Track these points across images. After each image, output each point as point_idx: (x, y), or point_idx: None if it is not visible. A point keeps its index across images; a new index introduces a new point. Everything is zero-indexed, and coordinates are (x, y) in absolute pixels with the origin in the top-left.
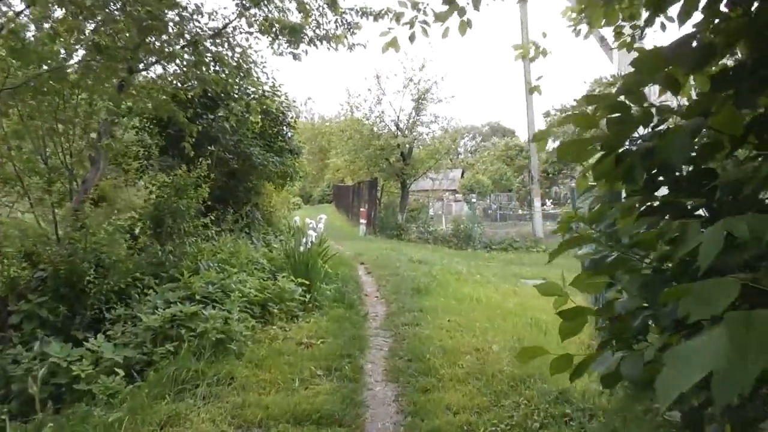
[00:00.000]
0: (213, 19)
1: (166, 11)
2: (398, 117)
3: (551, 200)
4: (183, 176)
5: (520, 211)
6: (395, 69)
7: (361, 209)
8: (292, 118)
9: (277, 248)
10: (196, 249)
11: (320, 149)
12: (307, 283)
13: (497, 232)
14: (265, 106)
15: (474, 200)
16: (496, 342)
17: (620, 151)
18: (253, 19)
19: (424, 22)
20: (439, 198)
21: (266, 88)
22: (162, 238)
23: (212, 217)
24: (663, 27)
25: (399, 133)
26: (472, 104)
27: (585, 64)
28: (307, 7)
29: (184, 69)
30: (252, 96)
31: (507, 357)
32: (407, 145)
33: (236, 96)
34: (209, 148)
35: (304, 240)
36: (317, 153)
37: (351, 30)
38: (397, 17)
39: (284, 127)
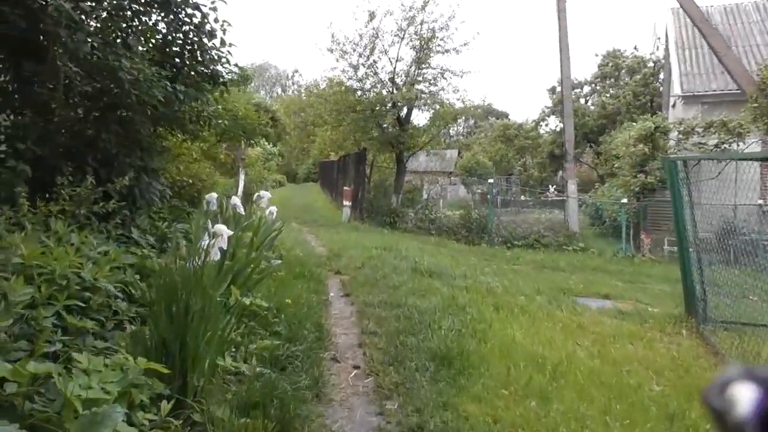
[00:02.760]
0: None
1: None
2: (395, 69)
3: (554, 186)
4: None
5: (522, 197)
6: (392, 6)
7: (345, 188)
8: (220, 24)
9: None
10: None
11: (306, 124)
12: (168, 371)
13: (516, 221)
14: None
15: (484, 185)
16: None
17: None
18: None
19: None
20: (434, 181)
21: None
22: None
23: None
24: None
25: (395, 89)
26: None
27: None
28: None
29: None
30: None
31: None
32: (405, 106)
33: None
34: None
35: (206, 243)
36: (303, 128)
37: None
38: None
39: (204, 38)
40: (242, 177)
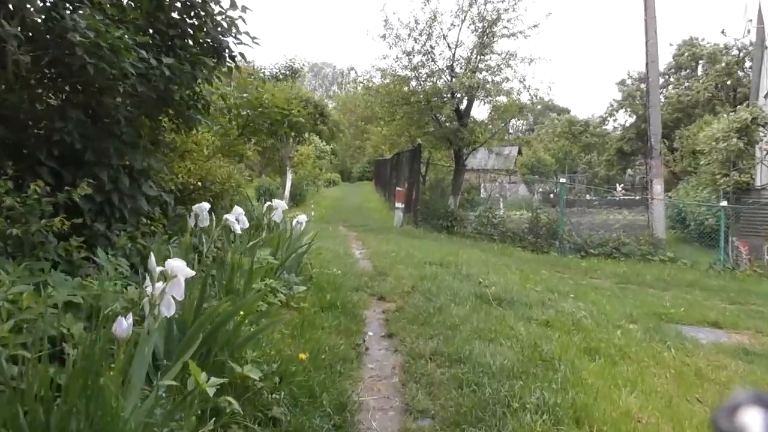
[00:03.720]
0: None
1: None
2: (453, 55)
3: (622, 186)
4: None
5: (588, 197)
6: None
7: (398, 189)
8: None
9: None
10: None
11: (360, 119)
12: None
13: (582, 222)
14: None
15: (547, 184)
16: None
17: None
18: None
19: None
20: (492, 179)
21: None
22: None
23: None
24: None
25: (453, 78)
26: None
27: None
28: None
29: None
30: None
31: None
32: (464, 97)
33: None
34: None
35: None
36: (358, 127)
37: None
38: None
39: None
40: (290, 177)
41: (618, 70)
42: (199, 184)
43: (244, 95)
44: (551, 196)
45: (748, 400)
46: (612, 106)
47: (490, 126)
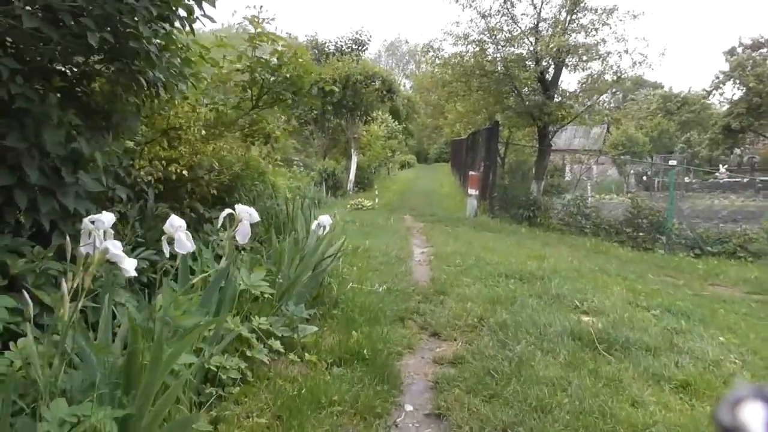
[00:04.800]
0: None
1: None
2: (539, 14)
3: (726, 167)
4: None
5: (686, 179)
6: None
7: (471, 173)
8: None
9: None
10: None
11: (438, 103)
12: None
13: (691, 212)
14: None
15: (640, 165)
16: None
17: None
18: None
19: None
20: (577, 160)
21: None
22: None
23: None
24: None
25: (537, 44)
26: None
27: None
28: None
29: None
30: None
31: None
32: (551, 64)
33: None
34: None
35: None
36: (435, 106)
37: None
38: None
39: None
40: (355, 159)
41: (721, 39)
42: (185, 173)
43: (262, 57)
44: (644, 178)
45: (750, 394)
46: (718, 78)
47: (582, 98)
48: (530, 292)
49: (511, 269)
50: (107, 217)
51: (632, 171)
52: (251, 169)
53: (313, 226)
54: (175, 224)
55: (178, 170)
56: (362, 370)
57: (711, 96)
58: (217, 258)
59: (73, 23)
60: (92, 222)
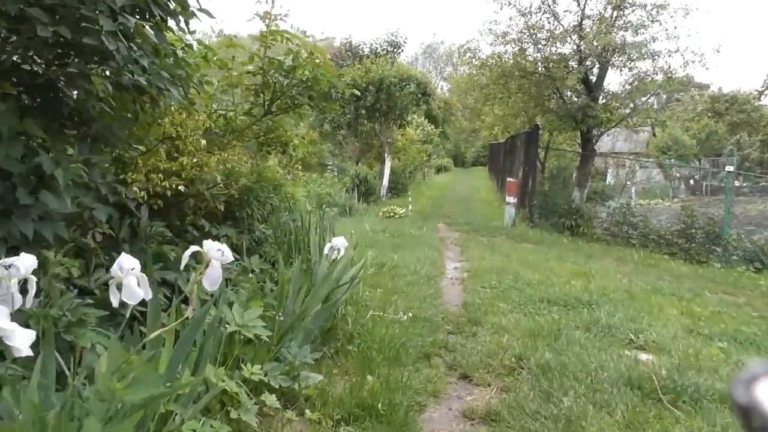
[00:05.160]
0: None
1: None
2: (583, 11)
3: None
4: None
5: (736, 183)
6: None
7: (509, 180)
8: None
9: None
10: None
11: (476, 101)
12: None
13: (744, 219)
14: None
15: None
16: None
17: None
18: None
19: None
20: (619, 163)
21: None
22: None
23: None
24: None
25: (581, 43)
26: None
27: None
28: None
29: None
30: None
31: None
32: (595, 64)
33: None
34: None
35: None
36: (473, 109)
37: None
38: None
39: None
40: (388, 164)
41: None
42: (182, 189)
43: (276, 58)
44: (691, 182)
45: (765, 372)
46: None
47: (628, 100)
48: (577, 323)
49: (554, 293)
50: (25, 262)
51: (678, 175)
52: (266, 181)
53: (326, 249)
54: (125, 266)
55: (174, 185)
56: (376, 430)
57: (763, 96)
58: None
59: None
60: (8, 266)
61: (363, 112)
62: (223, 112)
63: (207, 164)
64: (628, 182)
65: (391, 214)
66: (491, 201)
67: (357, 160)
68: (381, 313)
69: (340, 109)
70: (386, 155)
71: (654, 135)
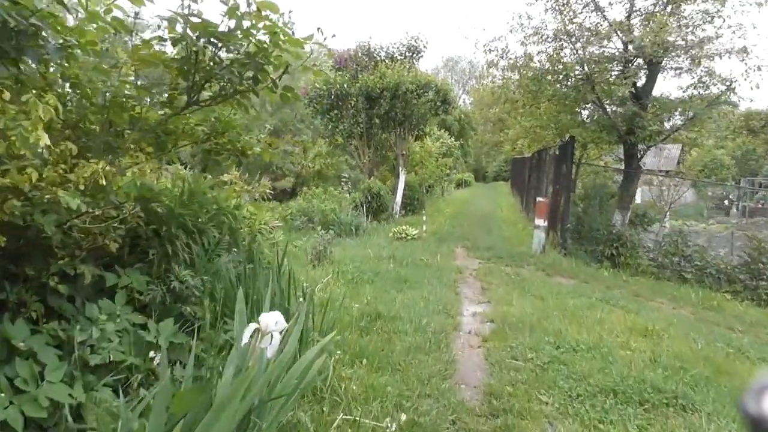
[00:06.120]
0: None
1: None
2: (631, 6)
3: None
4: None
5: None
6: None
7: (539, 200)
8: None
9: None
10: None
11: (498, 119)
12: None
13: None
14: None
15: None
16: None
17: None
18: None
19: None
20: (648, 182)
21: None
22: None
23: None
24: None
25: (629, 42)
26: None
27: None
28: None
29: None
30: None
31: None
32: (644, 67)
33: None
34: None
35: None
36: (496, 123)
37: None
38: None
39: None
40: (402, 179)
41: None
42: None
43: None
44: (726, 203)
45: None
46: None
47: (682, 108)
48: (653, 421)
49: (617, 373)
50: None
51: (710, 193)
52: (204, 204)
53: (245, 336)
54: None
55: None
56: None
57: None
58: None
59: None
60: None
61: (377, 120)
62: (115, 98)
63: (51, 181)
64: (673, 204)
65: (403, 235)
66: (515, 221)
67: (369, 173)
68: (356, 417)
69: (351, 118)
70: (401, 168)
71: (684, 152)
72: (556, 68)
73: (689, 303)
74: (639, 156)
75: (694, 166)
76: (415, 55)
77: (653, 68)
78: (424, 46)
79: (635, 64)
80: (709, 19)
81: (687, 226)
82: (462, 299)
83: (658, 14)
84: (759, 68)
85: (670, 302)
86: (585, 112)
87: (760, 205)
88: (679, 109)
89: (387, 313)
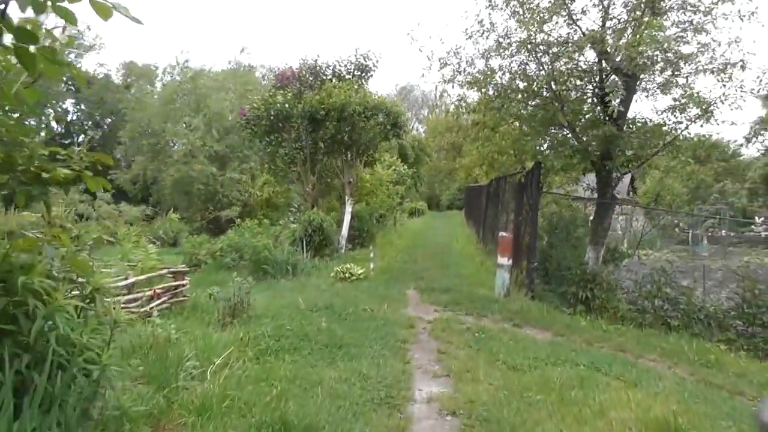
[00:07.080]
0: None
1: None
2: (606, 13)
3: (762, 220)
4: None
5: (723, 232)
6: None
7: (502, 234)
8: None
9: None
10: None
11: (452, 146)
12: None
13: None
14: None
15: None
16: None
17: None
18: None
19: None
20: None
21: None
22: None
23: None
24: None
25: (603, 56)
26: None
27: None
28: None
29: None
30: None
31: None
32: (621, 86)
33: None
34: None
35: None
36: (449, 150)
37: None
38: None
39: None
40: (349, 210)
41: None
42: None
43: None
44: (677, 231)
45: None
46: (756, 124)
47: (658, 132)
48: None
49: None
50: None
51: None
52: None
53: None
54: None
55: None
56: None
57: (750, 144)
58: None
59: None
60: None
61: (322, 145)
62: None
63: None
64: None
65: (347, 275)
66: (472, 254)
67: (314, 202)
68: None
69: (294, 142)
70: (348, 198)
71: (633, 183)
72: (520, 86)
73: (684, 359)
74: (613, 184)
75: (648, 195)
76: (364, 74)
77: (630, 84)
78: (374, 65)
79: (610, 80)
80: (691, 31)
81: (644, 256)
82: (413, 371)
83: (633, 21)
84: (741, 87)
85: (662, 359)
86: (554, 135)
87: (709, 233)
88: (655, 133)
89: (300, 422)
